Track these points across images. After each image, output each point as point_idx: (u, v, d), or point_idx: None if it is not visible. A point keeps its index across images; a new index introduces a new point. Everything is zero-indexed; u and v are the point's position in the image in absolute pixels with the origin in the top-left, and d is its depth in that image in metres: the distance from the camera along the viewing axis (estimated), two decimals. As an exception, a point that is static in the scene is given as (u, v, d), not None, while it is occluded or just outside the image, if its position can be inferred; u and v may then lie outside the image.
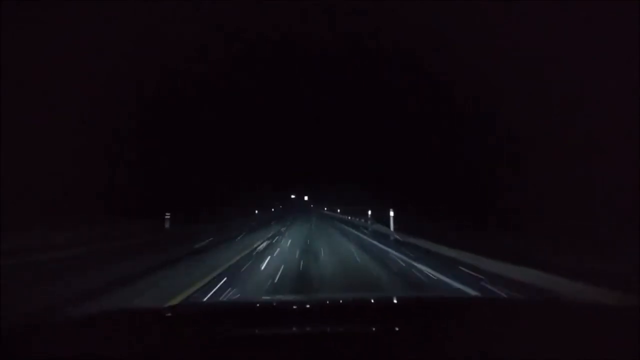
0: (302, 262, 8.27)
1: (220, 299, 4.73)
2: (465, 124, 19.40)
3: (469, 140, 19.35)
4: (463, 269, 7.36)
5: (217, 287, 5.57)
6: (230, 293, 5.26)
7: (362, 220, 25.87)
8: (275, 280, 6.21)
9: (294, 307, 1.72)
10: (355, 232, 18.89)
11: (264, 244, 12.08)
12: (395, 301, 1.81)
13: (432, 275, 6.83)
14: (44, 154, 12.32)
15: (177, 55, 19.12)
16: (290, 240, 13.56)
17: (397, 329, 1.21)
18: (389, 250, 11.10)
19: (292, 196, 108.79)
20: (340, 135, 65.55)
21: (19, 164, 11.05)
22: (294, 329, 1.29)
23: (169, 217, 16.72)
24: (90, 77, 13.93)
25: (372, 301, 1.88)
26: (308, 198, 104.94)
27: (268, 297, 3.65)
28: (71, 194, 13.10)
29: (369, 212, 27.25)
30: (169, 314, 1.45)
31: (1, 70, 10.09)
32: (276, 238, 14.55)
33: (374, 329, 1.20)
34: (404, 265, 8.21)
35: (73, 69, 13.32)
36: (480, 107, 17.37)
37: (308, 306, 1.71)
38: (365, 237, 15.92)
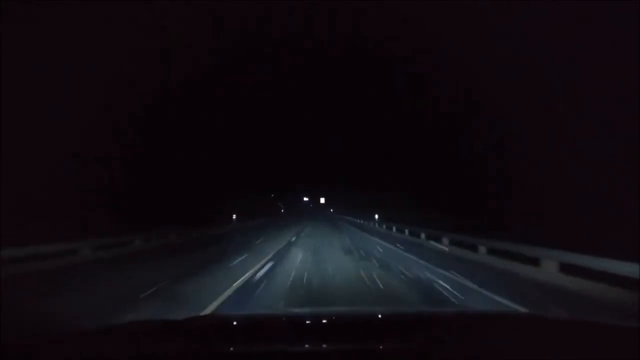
0: None
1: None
2: (465, 123, 19.40)
3: (467, 140, 19.36)
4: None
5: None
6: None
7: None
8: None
9: (307, 322, 1.72)
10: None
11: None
12: (402, 316, 1.80)
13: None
14: (41, 155, 12.31)
15: (177, 55, 19.13)
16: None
17: (399, 346, 1.21)
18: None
19: (305, 199, 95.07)
20: (346, 135, 65.14)
21: (18, 166, 11.04)
22: (307, 345, 1.28)
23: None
24: (90, 78, 13.92)
25: (381, 316, 1.88)
26: (325, 200, 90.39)
27: (282, 312, 3.64)
28: (68, 196, 13.09)
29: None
30: (182, 327, 1.44)
31: (1, 70, 10.08)
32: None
33: (381, 346, 1.20)
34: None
35: (72, 69, 13.32)
36: (481, 107, 17.37)
37: (324, 321, 1.71)
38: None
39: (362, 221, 34.32)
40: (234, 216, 32.40)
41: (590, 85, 11.08)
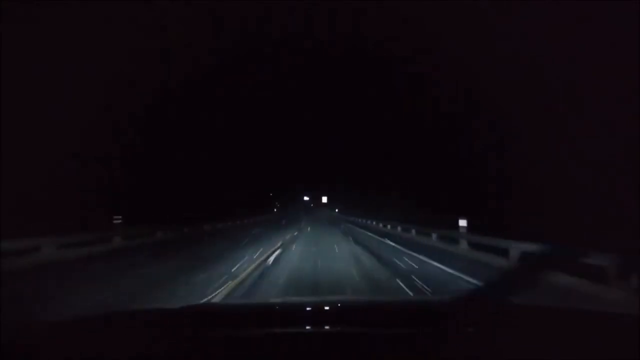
0: None
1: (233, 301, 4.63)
2: (465, 123, 19.40)
3: (467, 140, 19.36)
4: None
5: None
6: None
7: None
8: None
9: (307, 308, 1.72)
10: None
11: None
12: (405, 305, 1.81)
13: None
14: (41, 155, 12.31)
15: (177, 55, 19.13)
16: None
17: (400, 332, 1.21)
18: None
19: (306, 198, 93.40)
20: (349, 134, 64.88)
21: (18, 166, 11.04)
22: (307, 328, 1.28)
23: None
24: (90, 78, 13.92)
25: (384, 304, 1.88)
26: (327, 200, 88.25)
27: (280, 300, 3.64)
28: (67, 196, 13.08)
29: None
30: (178, 315, 1.45)
31: (1, 70, 10.08)
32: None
33: (381, 331, 1.20)
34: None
35: (72, 69, 13.32)
36: (481, 107, 17.38)
37: (326, 308, 1.71)
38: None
39: (412, 236, 15.98)
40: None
41: (590, 85, 11.09)
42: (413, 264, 8.22)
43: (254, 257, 8.79)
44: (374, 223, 25.76)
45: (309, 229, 22.19)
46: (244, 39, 25.41)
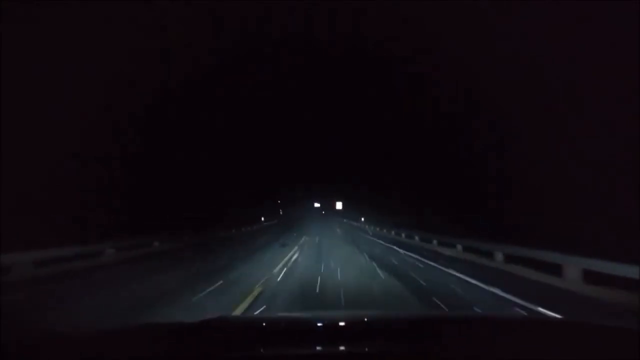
0: None
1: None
2: (465, 123, 19.39)
3: (467, 140, 19.36)
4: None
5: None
6: None
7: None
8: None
9: (314, 324, 1.72)
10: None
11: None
12: (407, 320, 1.80)
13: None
14: (41, 155, 12.30)
15: (177, 55, 19.11)
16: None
17: (403, 349, 1.21)
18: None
19: (316, 205, 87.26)
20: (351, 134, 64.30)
21: (18, 166, 11.03)
22: (320, 348, 1.28)
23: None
24: (90, 78, 13.90)
25: (393, 319, 1.88)
26: (342, 205, 79.66)
27: (296, 314, 3.64)
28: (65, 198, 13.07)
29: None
30: (193, 331, 1.43)
31: (1, 70, 10.06)
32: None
33: (387, 349, 1.20)
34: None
35: (72, 69, 13.30)
36: (481, 107, 17.38)
37: (332, 324, 1.70)
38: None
39: None
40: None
41: (590, 85, 11.08)
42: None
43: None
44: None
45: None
46: (244, 39, 25.40)
